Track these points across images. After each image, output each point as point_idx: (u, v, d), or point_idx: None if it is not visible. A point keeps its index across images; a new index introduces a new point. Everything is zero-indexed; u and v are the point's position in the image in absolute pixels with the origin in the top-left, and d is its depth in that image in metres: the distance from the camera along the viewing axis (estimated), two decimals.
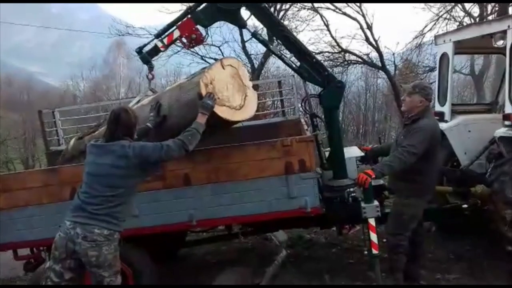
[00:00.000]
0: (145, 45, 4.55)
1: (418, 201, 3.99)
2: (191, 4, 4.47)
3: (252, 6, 4.44)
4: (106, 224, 3.18)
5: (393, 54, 16.24)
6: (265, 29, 4.82)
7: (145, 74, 4.70)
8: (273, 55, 14.87)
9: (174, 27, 4.40)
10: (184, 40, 4.36)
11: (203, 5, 4.38)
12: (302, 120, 5.77)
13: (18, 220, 4.28)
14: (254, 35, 4.59)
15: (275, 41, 4.54)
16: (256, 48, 16.88)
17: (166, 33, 4.42)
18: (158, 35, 4.46)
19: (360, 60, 16.10)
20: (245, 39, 15.70)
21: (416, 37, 15.11)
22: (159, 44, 4.41)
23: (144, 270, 4.27)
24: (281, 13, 15.38)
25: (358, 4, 14.65)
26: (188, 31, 4.32)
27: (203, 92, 3.69)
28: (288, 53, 4.81)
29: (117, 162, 3.21)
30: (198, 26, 4.36)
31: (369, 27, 15.07)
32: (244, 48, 16.27)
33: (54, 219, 4.21)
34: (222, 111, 3.81)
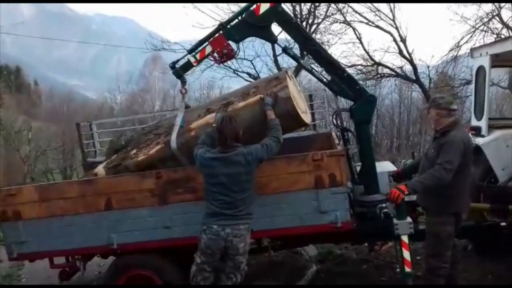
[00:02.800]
0: (178, 60, 4.65)
1: (450, 218, 3.85)
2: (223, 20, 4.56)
3: (283, 21, 4.48)
4: (247, 220, 3.78)
5: (428, 67, 15.95)
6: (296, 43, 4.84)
7: (178, 89, 4.79)
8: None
9: (206, 43, 4.49)
10: (216, 55, 4.45)
11: (235, 21, 4.46)
12: (333, 134, 5.74)
13: (55, 229, 4.41)
14: (285, 50, 4.63)
15: (306, 55, 4.55)
16: (288, 62, 16.91)
17: (199, 49, 4.52)
18: (190, 51, 4.56)
19: (393, 73, 15.88)
20: (277, 53, 15.80)
21: (452, 50, 14.78)
22: (192, 59, 4.52)
23: (174, 281, 4.32)
24: (313, 27, 15.41)
25: (391, 17, 14.52)
26: (220, 47, 4.41)
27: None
28: (319, 67, 4.81)
29: (244, 170, 3.71)
30: (230, 42, 4.44)
31: (403, 40, 14.88)
32: (276, 61, 16.34)
33: (90, 229, 4.37)
34: (305, 118, 4.36)
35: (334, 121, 4.86)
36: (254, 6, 4.38)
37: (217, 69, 15.60)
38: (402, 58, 15.26)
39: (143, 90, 40.09)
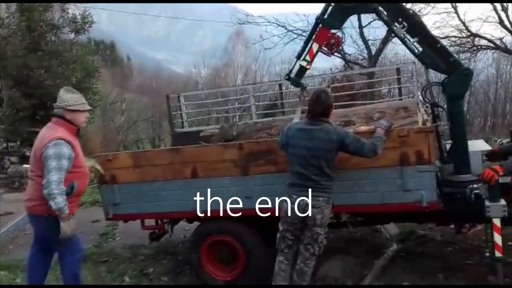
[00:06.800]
0: (290, 71, 4.76)
1: None
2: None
3: None
4: (326, 193, 3.80)
5: None
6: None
7: (298, 95, 4.89)
8: (393, 40, 14.25)
9: (311, 42, 4.49)
10: (324, 49, 4.45)
11: (329, 10, 4.39)
12: (422, 110, 5.46)
13: (146, 193, 4.72)
14: (378, 13, 4.38)
15: (396, 24, 4.29)
16: (374, 34, 16.30)
17: (306, 51, 4.52)
18: (299, 56, 4.59)
19: (491, 45, 14.67)
20: (363, 25, 15.24)
21: None
22: (304, 63, 4.55)
23: (255, 250, 4.46)
24: None
25: None
26: (325, 40, 4.40)
27: None
28: (411, 38, 4.54)
29: (324, 146, 3.73)
30: (333, 30, 4.40)
31: (504, 9, 13.62)
32: (361, 33, 15.80)
33: (176, 194, 4.63)
34: None
35: (424, 96, 4.62)
36: None
37: (300, 42, 15.49)
38: (503, 29, 14.03)
39: (226, 64, 40.93)
